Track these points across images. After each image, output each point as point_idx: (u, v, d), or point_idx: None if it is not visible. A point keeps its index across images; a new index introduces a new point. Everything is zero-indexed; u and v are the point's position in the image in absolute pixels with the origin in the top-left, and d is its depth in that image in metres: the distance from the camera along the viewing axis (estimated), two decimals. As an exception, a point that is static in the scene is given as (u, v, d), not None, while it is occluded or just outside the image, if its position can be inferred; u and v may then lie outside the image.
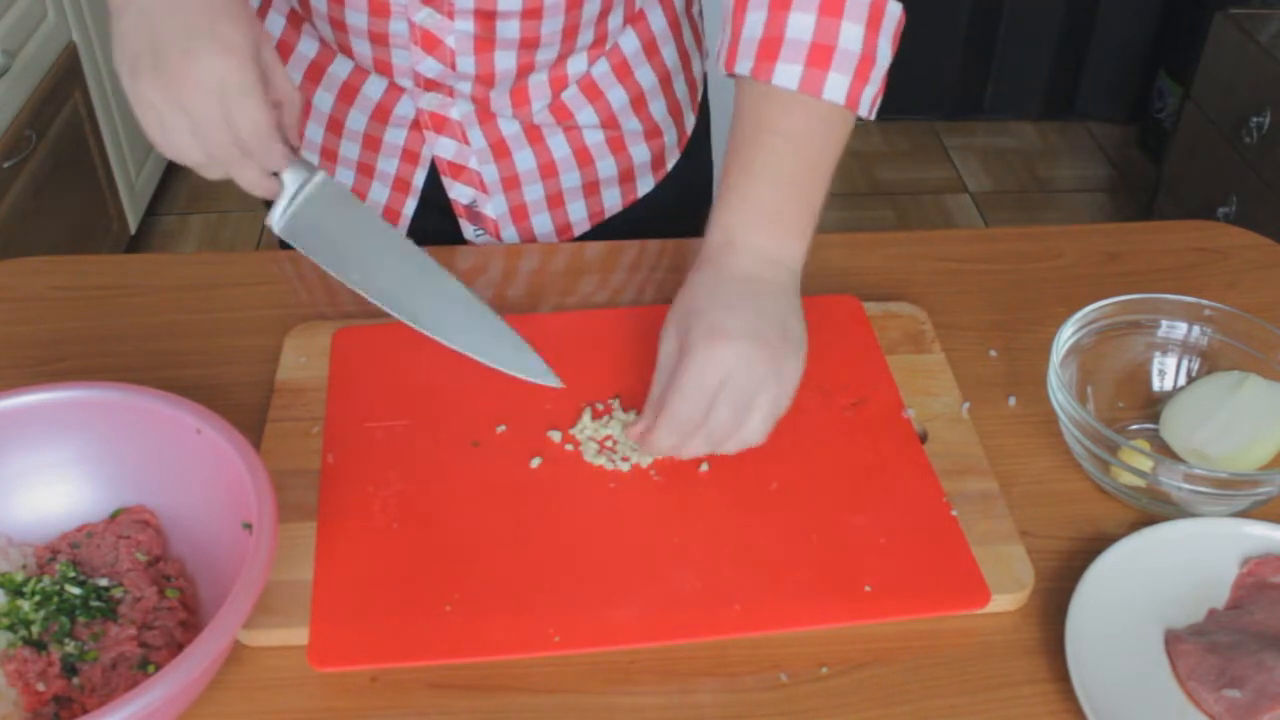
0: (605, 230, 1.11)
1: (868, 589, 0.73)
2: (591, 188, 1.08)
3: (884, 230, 2.36)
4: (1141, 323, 0.89)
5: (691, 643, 0.71)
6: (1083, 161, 3.12)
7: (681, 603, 0.72)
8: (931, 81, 3.16)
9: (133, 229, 2.57)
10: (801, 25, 0.78)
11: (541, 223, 1.08)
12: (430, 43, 0.93)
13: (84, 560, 0.72)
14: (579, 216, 1.09)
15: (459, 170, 1.03)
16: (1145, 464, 0.77)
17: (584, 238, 1.11)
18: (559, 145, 1.04)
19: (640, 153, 1.08)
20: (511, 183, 1.05)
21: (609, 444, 0.82)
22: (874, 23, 0.80)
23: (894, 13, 0.81)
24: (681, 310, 0.79)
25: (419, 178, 1.04)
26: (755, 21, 0.80)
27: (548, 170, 1.05)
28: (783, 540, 0.76)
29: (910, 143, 3.18)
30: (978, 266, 1.03)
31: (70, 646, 0.66)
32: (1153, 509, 0.80)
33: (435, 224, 1.07)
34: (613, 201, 1.10)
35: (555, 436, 0.83)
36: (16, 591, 0.69)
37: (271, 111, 0.73)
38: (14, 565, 0.71)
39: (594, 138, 1.05)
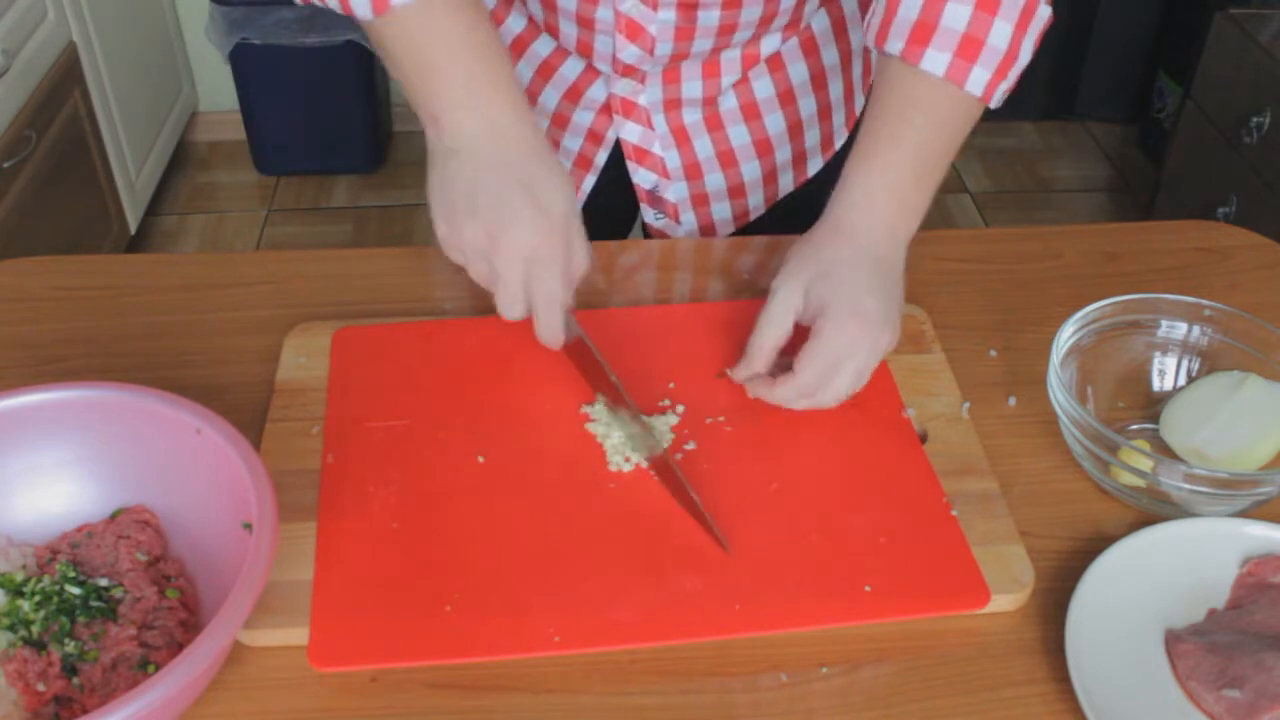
0: (777, 211, 1.14)
1: (868, 589, 0.73)
2: (770, 176, 1.12)
3: (884, 230, 2.35)
4: (1141, 323, 0.89)
5: (691, 643, 0.71)
6: (1083, 161, 3.12)
7: (681, 603, 0.72)
8: (931, 81, 3.16)
9: (133, 229, 2.57)
10: (957, 16, 0.81)
11: (720, 210, 1.12)
12: (634, 31, 0.96)
13: (84, 560, 0.71)
14: (756, 203, 1.14)
15: (644, 155, 1.08)
16: (1145, 464, 0.77)
17: (759, 220, 1.15)
18: (739, 134, 1.08)
19: (813, 135, 1.11)
20: (694, 170, 1.09)
21: (609, 445, 0.82)
22: (1023, 22, 0.83)
23: (1043, 14, 0.84)
24: (815, 271, 0.83)
25: (600, 157, 1.09)
26: (912, 4, 0.83)
27: (727, 159, 1.09)
28: (783, 540, 0.76)
29: (910, 143, 3.17)
30: (978, 266, 1.03)
31: (70, 646, 0.66)
32: (1153, 509, 0.80)
33: (610, 201, 1.13)
34: (786, 184, 1.14)
35: (555, 436, 0.83)
36: (16, 591, 0.69)
37: (568, 281, 0.81)
38: (14, 565, 0.71)
39: (776, 126, 1.08)
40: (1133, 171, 3.06)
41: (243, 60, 2.73)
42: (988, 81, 0.83)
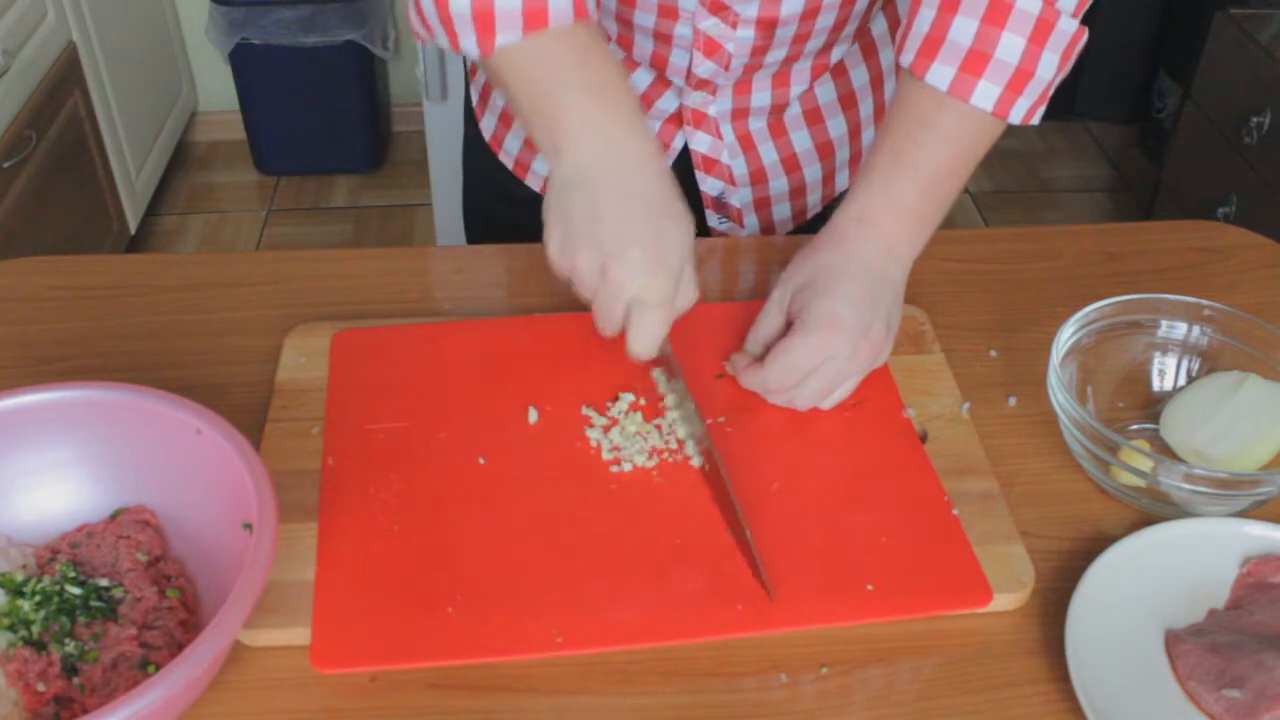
0: (833, 208, 1.13)
1: (869, 588, 0.73)
2: (829, 176, 1.12)
3: (884, 230, 2.35)
4: (1141, 323, 0.89)
5: (691, 643, 0.71)
6: (1083, 161, 3.12)
7: (682, 603, 0.72)
8: (931, 81, 3.16)
9: (133, 229, 2.57)
10: (963, 30, 0.81)
11: (781, 210, 1.13)
12: (711, 48, 0.97)
13: (84, 560, 0.71)
14: (814, 201, 1.14)
15: (711, 164, 1.07)
16: (1145, 464, 0.77)
17: (815, 217, 1.15)
18: (801, 139, 1.08)
19: (869, 134, 1.11)
20: (759, 176, 1.09)
21: (609, 445, 0.82)
22: (1039, 36, 0.81)
23: (1066, 28, 0.82)
24: (802, 280, 0.85)
25: None
26: (925, 17, 0.83)
27: (790, 164, 1.09)
28: (784, 540, 0.76)
29: (910, 143, 3.17)
30: (978, 266, 1.03)
31: (70, 646, 0.66)
32: (1153, 509, 0.80)
33: None
34: (843, 181, 1.14)
35: (555, 436, 0.83)
36: (16, 591, 0.69)
37: (670, 324, 0.81)
38: (14, 565, 0.71)
39: (838, 130, 1.09)
40: (1133, 171, 3.06)
41: (243, 60, 2.74)
42: (998, 96, 0.82)
